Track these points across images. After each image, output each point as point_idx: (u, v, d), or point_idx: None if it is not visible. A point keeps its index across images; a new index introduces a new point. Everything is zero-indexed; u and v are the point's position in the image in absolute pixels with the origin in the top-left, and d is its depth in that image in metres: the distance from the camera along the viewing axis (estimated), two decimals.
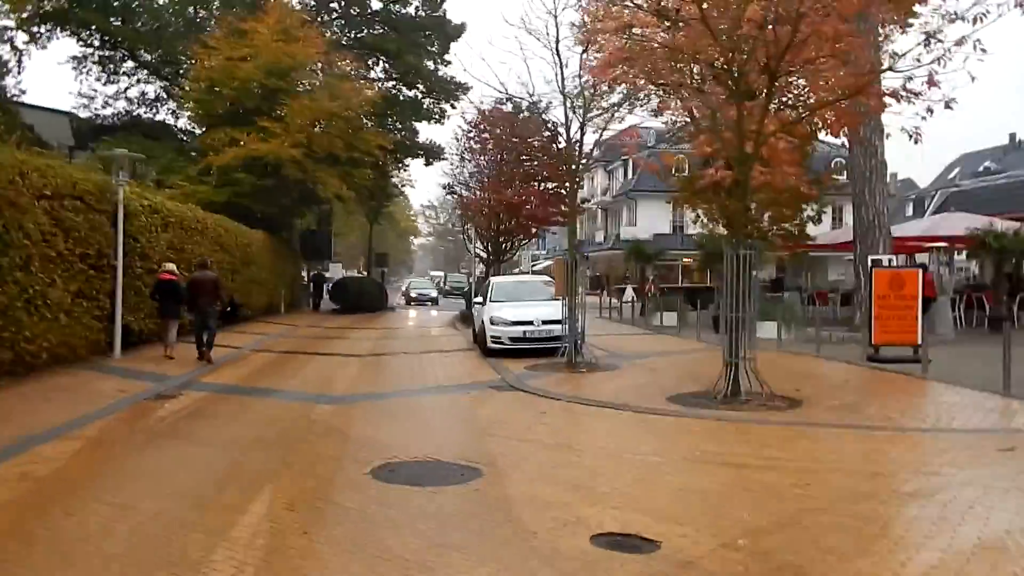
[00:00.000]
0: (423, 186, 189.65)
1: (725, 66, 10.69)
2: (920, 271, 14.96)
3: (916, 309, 14.63)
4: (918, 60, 9.82)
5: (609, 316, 28.86)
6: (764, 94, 10.16)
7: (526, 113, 24.81)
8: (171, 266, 15.16)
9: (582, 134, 13.66)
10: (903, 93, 10.35)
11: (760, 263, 25.80)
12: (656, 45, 10.78)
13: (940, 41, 9.95)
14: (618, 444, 8.02)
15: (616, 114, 15.02)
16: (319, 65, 30.87)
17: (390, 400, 10.65)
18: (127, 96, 36.64)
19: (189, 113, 31.55)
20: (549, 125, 22.21)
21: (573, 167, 14.10)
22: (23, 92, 36.06)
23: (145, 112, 36.93)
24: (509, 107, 24.54)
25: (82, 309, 13.63)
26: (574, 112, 13.48)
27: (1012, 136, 59.40)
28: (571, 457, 7.41)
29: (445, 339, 20.97)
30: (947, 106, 9.20)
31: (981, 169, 57.50)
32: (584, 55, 12.93)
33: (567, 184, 30.17)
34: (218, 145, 27.60)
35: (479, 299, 18.30)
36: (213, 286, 14.82)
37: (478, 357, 16.08)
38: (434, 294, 48.94)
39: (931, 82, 9.16)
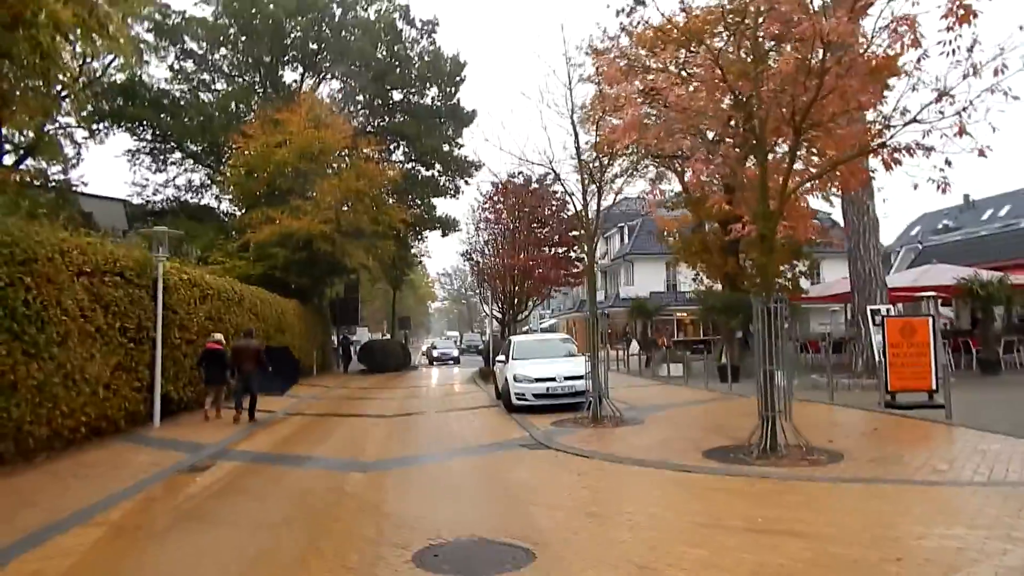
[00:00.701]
0: (439, 256, 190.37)
1: (744, 125, 9.72)
2: (930, 320, 13.69)
3: (928, 356, 13.33)
4: (941, 113, 8.77)
5: (617, 368, 27.51)
6: (788, 150, 9.08)
7: (536, 185, 24.01)
8: (219, 336, 14.62)
9: (599, 196, 12.60)
10: (915, 148, 9.33)
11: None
12: (674, 107, 9.76)
13: (951, 96, 8.97)
14: (667, 510, 6.69)
15: (615, 184, 14.05)
16: (346, 149, 30.26)
17: (423, 465, 9.30)
18: (175, 184, 36.32)
19: (230, 196, 30.84)
20: (558, 195, 21.40)
21: (592, 228, 12.95)
22: (85, 184, 35.62)
23: (192, 197, 36.50)
24: (521, 180, 23.71)
25: (121, 381, 12.41)
26: (590, 176, 12.44)
27: (966, 197, 58.61)
28: (623, 530, 6.07)
29: (469, 396, 19.60)
30: (981, 153, 8.08)
31: (940, 227, 56.57)
32: (601, 121, 11.92)
33: (575, 248, 29.59)
34: (255, 224, 26.90)
35: (501, 357, 17.04)
36: (256, 353, 14.19)
37: (503, 414, 14.74)
38: (456, 353, 46.99)
39: (961, 131, 8.07)
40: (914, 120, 8.80)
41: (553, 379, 14.31)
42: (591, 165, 12.47)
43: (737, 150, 10.02)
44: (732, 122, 10.11)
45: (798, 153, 10.35)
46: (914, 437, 10.22)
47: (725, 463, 8.80)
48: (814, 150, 11.85)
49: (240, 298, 19.10)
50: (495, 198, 26.15)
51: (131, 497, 7.83)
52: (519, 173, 22.02)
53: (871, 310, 17.76)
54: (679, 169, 25.44)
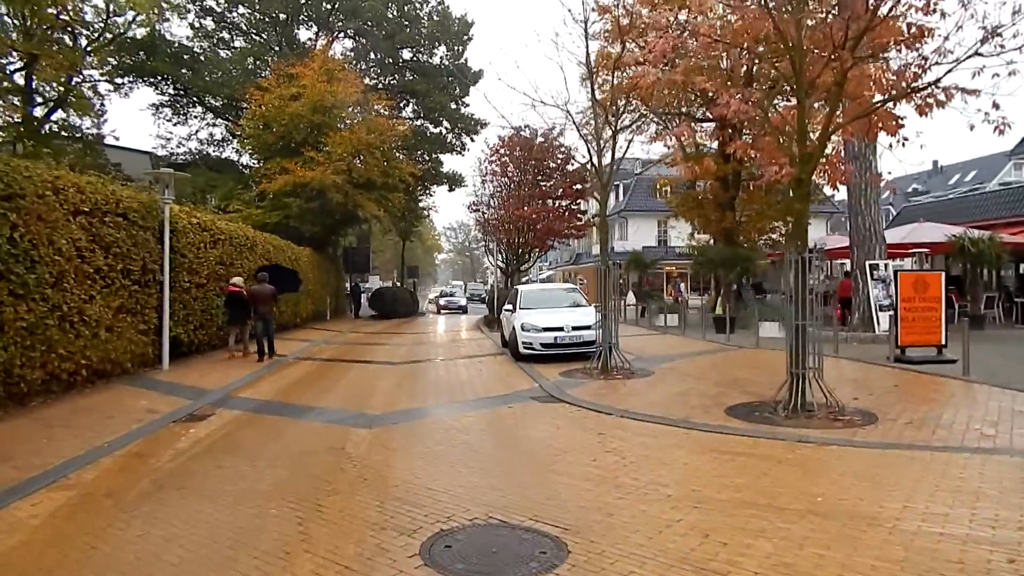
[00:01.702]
0: (445, 211, 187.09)
1: (775, 61, 8.05)
2: (942, 275, 12.20)
3: (939, 311, 11.90)
4: (1002, 46, 7.12)
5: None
6: (834, 84, 7.42)
7: (542, 139, 22.16)
8: (238, 279, 14.08)
9: (614, 142, 10.94)
10: (956, 91, 7.71)
11: (754, 269, 23.11)
12: (706, 37, 8.04)
13: (1000, 35, 7.31)
14: (709, 484, 5.29)
15: (624, 135, 12.32)
16: (357, 104, 28.20)
17: (431, 420, 7.87)
18: (198, 137, 34.37)
19: (249, 149, 28.82)
20: (564, 149, 19.65)
21: (605, 177, 11.31)
22: (117, 138, 33.68)
23: (213, 150, 34.57)
24: (528, 133, 21.81)
25: (126, 324, 10.97)
26: (606, 119, 10.74)
27: (935, 163, 56.65)
28: (665, 510, 4.68)
29: (475, 344, 18.20)
30: None
31: (910, 190, 54.75)
32: (619, 62, 10.16)
33: (579, 200, 27.94)
34: (271, 174, 25.14)
35: (508, 306, 15.59)
36: (271, 296, 13.88)
37: (510, 362, 13.36)
38: (463, 302, 42.68)
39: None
40: (976, 54, 7.14)
41: (561, 329, 12.87)
42: (607, 108, 10.75)
43: (769, 87, 8.32)
44: (760, 61, 8.42)
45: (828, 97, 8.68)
46: (941, 395, 8.83)
47: (753, 422, 7.42)
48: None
49: (253, 244, 17.52)
50: (501, 151, 24.28)
51: (115, 452, 6.45)
52: (525, 127, 20.26)
53: (870, 265, 16.28)
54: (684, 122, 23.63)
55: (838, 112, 7.71)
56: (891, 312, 13.91)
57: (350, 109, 27.76)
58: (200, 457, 6.24)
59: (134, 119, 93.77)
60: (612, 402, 8.76)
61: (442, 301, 40.86)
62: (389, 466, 5.78)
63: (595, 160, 10.87)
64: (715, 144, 23.17)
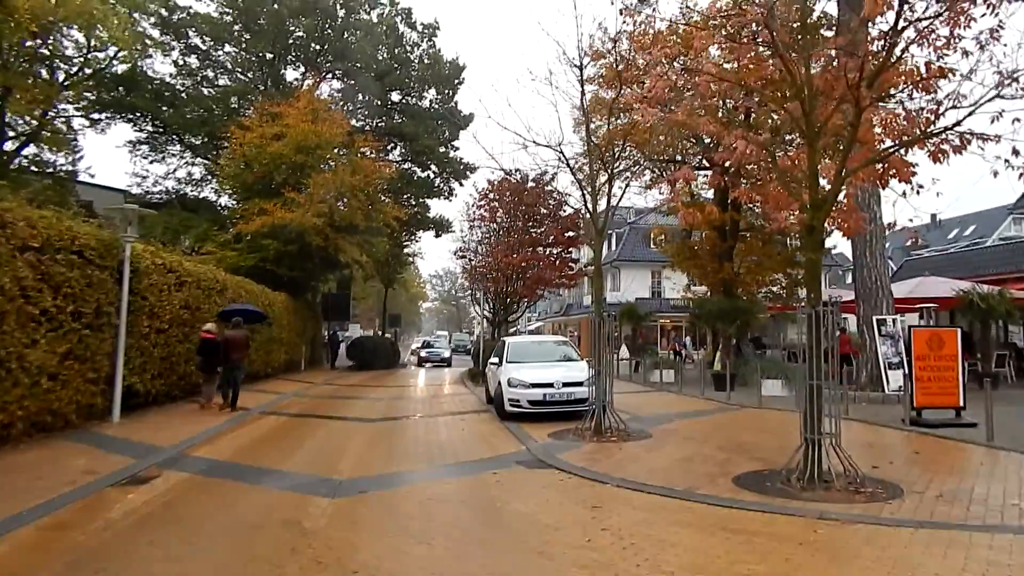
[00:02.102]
0: (431, 258, 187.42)
1: (783, 102, 7.80)
2: (958, 332, 11.82)
3: (956, 370, 11.47)
4: None
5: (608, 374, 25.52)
6: (850, 126, 7.15)
7: (533, 184, 21.99)
8: (211, 325, 13.79)
9: (610, 187, 10.61)
10: (970, 137, 7.47)
11: (754, 324, 22.77)
12: (708, 77, 7.80)
13: (1016, 80, 7.12)
14: (726, 572, 4.69)
15: (618, 181, 12.06)
16: (342, 146, 28.10)
17: (404, 489, 7.20)
18: (175, 176, 34.01)
19: (228, 189, 28.46)
20: (556, 194, 19.46)
21: (600, 222, 10.96)
22: (92, 175, 33.29)
23: (191, 190, 34.16)
24: (518, 177, 21.63)
25: (73, 371, 10.28)
26: (602, 162, 10.45)
27: (933, 216, 57.31)
28: None
29: (458, 399, 17.51)
30: None
31: (908, 244, 55.26)
32: (614, 104, 9.93)
33: (571, 248, 27.66)
34: (248, 215, 24.75)
35: (494, 359, 15.01)
36: (245, 342, 13.69)
37: (495, 421, 12.72)
38: (447, 354, 39.51)
39: None
40: (998, 96, 6.91)
41: (551, 385, 12.29)
42: (603, 151, 10.47)
43: (773, 132, 8.06)
44: (771, 96, 8.17)
45: (837, 140, 8.43)
46: (968, 464, 8.30)
47: (765, 495, 6.84)
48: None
49: (223, 287, 16.95)
50: (490, 195, 24.09)
51: (35, 522, 5.74)
52: (516, 171, 20.12)
53: (877, 320, 15.93)
54: (675, 173, 23.68)
55: (851, 155, 7.40)
56: (901, 370, 13.50)
57: (335, 151, 27.65)
58: (131, 531, 5.55)
59: (110, 156, 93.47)
60: (607, 469, 8.14)
61: (423, 353, 37.39)
62: (351, 546, 5.12)
63: (589, 205, 10.51)
64: (711, 193, 23.20)
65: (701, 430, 11.27)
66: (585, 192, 10.67)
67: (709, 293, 24.31)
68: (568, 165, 10.92)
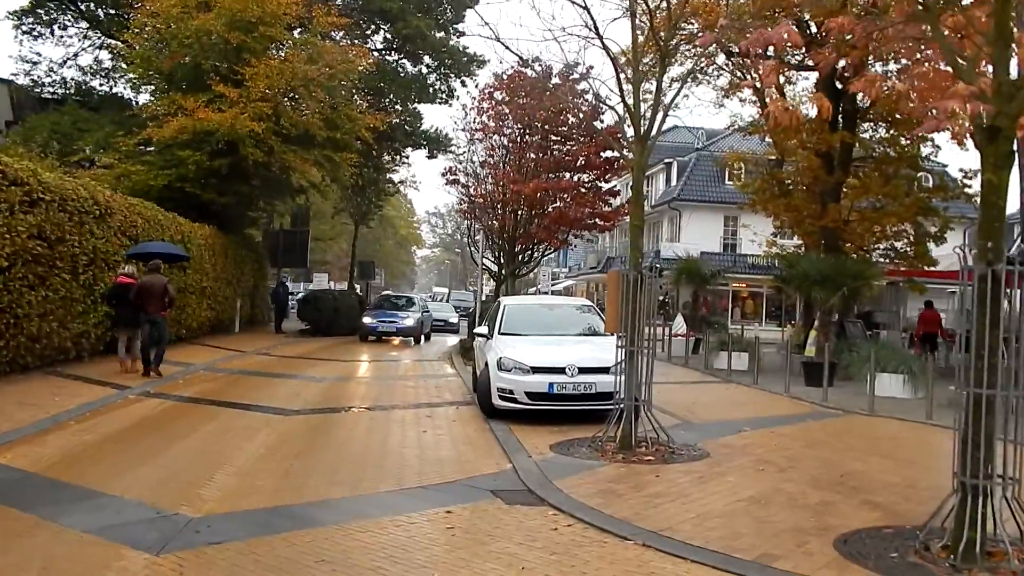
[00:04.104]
0: (428, 189, 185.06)
1: None
2: None
3: None
4: None
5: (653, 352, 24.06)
6: None
7: (557, 80, 20.11)
8: (131, 268, 14.53)
9: (662, 67, 8.88)
10: None
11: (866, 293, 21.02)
12: None
13: None
14: None
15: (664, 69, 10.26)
16: (298, 24, 26.29)
17: (288, 539, 5.73)
18: (78, 64, 32.38)
19: (137, 78, 26.87)
20: (588, 96, 17.63)
21: (644, 132, 9.27)
22: None
23: (101, 83, 32.61)
24: (539, 69, 19.74)
25: None
26: (655, 38, 8.71)
27: None
28: None
29: (433, 383, 16.12)
30: None
31: None
32: None
33: (609, 175, 25.76)
34: (162, 115, 23.27)
35: (482, 329, 13.55)
36: (163, 291, 13.83)
37: (477, 419, 11.34)
38: (454, 319, 37.35)
39: None
40: None
41: (562, 371, 10.78)
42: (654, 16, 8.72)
43: None
44: None
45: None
46: None
47: None
48: None
49: (106, 211, 15.57)
50: (497, 95, 22.23)
51: None
52: (536, 59, 18.29)
53: None
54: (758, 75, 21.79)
55: None
56: None
57: (287, 30, 25.91)
58: None
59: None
60: (632, 512, 6.67)
61: (369, 320, 28.45)
62: None
63: (627, 97, 8.79)
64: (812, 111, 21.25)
65: (784, 448, 9.77)
66: (621, 75, 8.93)
67: (804, 248, 22.61)
68: (597, 32, 9.12)
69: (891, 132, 21.12)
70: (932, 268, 20.76)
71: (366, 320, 28.34)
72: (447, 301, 52.95)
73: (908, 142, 20.76)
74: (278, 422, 10.56)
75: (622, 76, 9.05)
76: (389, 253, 75.87)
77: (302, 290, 44.67)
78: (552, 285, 51.94)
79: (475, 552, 5.66)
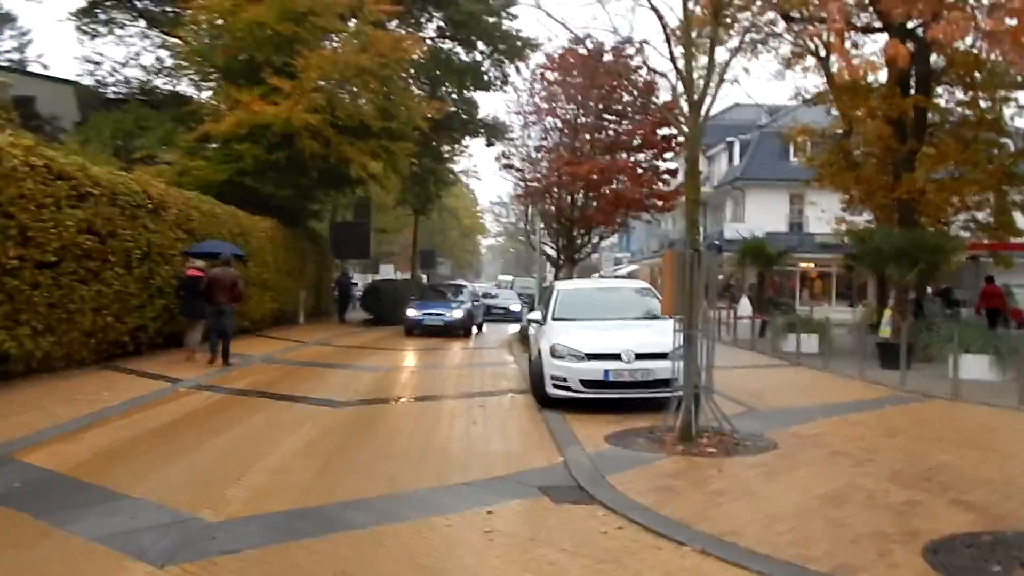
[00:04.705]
0: (491, 179, 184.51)
1: None
2: None
3: None
4: None
5: (718, 336, 23.05)
6: None
7: (610, 56, 19.22)
8: (200, 263, 14.84)
9: (716, 27, 8.05)
10: None
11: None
12: None
13: None
14: None
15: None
16: (349, 12, 25.86)
17: (306, 546, 5.18)
18: (140, 63, 32.64)
19: (193, 72, 26.84)
20: (642, 72, 16.72)
21: (698, 99, 8.46)
22: (46, 67, 32.53)
23: (164, 82, 32.83)
24: (590, 46, 18.89)
25: None
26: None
27: None
28: None
29: (489, 372, 15.56)
30: None
31: None
32: None
33: (666, 153, 24.74)
34: (219, 110, 23.16)
35: (535, 315, 12.90)
36: (232, 285, 14.23)
37: (531, 409, 10.71)
38: (516, 307, 34.15)
39: None
40: None
41: (617, 357, 10.06)
42: None
43: None
44: None
45: None
46: None
47: None
48: None
49: (160, 205, 15.38)
50: (549, 74, 21.43)
51: None
52: (587, 36, 17.47)
53: None
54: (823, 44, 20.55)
55: None
56: None
57: (339, 20, 25.52)
58: None
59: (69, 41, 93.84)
60: (691, 513, 5.95)
61: (414, 314, 24.80)
62: None
63: (676, 55, 7.98)
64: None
65: (861, 438, 8.86)
66: (671, 37, 8.13)
67: (875, 223, 21.28)
68: (658, 15, 8.26)
69: (969, 94, 19.56)
70: (1019, 240, 19.29)
71: (410, 313, 24.75)
72: (511, 288, 52.33)
73: (989, 104, 19.22)
74: (324, 415, 10.08)
75: (672, 39, 8.26)
76: (455, 243, 75.85)
77: (368, 281, 44.65)
78: (615, 270, 50.89)
79: (513, 560, 5.03)
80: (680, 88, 8.67)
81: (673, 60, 8.44)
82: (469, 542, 5.38)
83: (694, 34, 8.19)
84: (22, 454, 7.36)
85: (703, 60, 11.69)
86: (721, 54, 10.15)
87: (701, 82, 8.85)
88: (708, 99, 8.83)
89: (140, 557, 4.75)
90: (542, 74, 22.40)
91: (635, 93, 19.71)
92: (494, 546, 5.30)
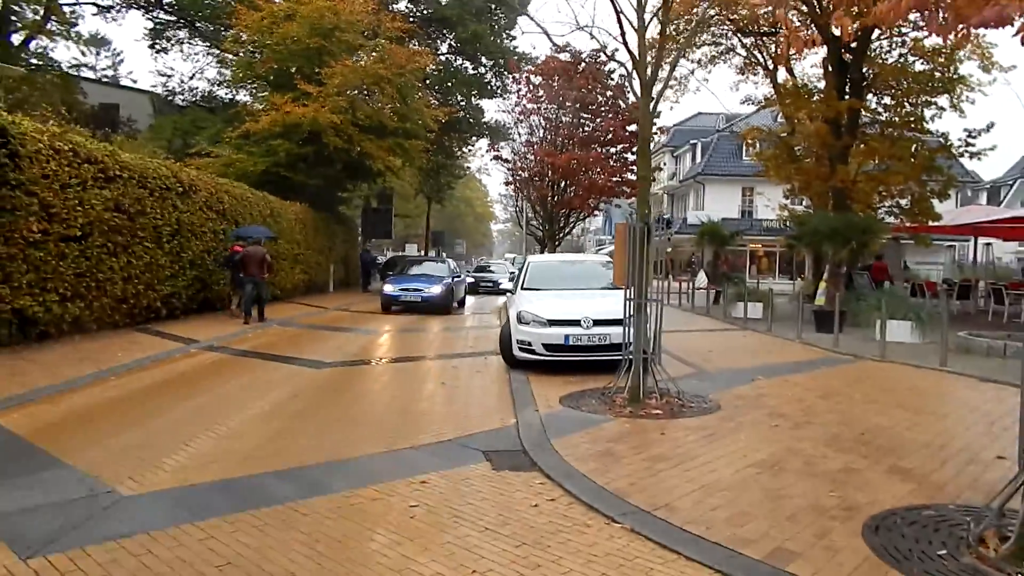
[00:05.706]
0: (500, 175, 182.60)
1: None
2: None
3: None
4: None
5: (679, 304, 21.71)
6: None
7: (584, 64, 17.74)
8: (243, 243, 14.46)
9: (666, 10, 6.64)
10: None
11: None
12: None
13: None
14: None
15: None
16: (369, 29, 24.32)
17: (223, 529, 3.95)
18: (206, 77, 31.45)
19: (240, 81, 25.51)
20: (613, 76, 15.27)
21: (649, 88, 7.06)
22: (135, 80, 31.38)
23: (225, 92, 31.47)
24: (568, 57, 17.39)
25: None
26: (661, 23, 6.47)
27: None
28: None
29: (474, 334, 14.33)
30: None
31: None
32: None
33: (634, 147, 23.25)
34: (259, 112, 21.85)
35: (510, 285, 11.57)
36: (261, 260, 14.07)
37: (500, 370, 9.43)
38: (506, 282, 27.28)
39: None
40: None
41: (577, 323, 8.77)
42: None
43: None
44: None
45: None
46: None
47: None
48: None
49: (190, 188, 14.06)
50: (534, 79, 19.95)
51: None
52: (567, 46, 16.02)
53: None
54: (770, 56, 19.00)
55: None
56: None
57: (361, 36, 23.98)
58: None
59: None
60: (628, 481, 4.68)
61: (387, 288, 19.17)
62: None
63: (630, 40, 6.57)
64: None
65: (799, 399, 7.55)
66: (622, 19, 6.72)
67: (813, 209, 19.79)
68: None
69: (896, 98, 18.09)
70: (935, 224, 17.80)
71: (386, 289, 19.03)
72: (512, 264, 50.97)
73: (912, 107, 17.77)
74: (303, 376, 8.80)
75: (625, 20, 6.85)
76: (471, 227, 74.36)
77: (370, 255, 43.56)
78: (597, 250, 49.45)
79: (426, 543, 3.77)
80: (624, 45, 7.27)
81: (626, 43, 7.04)
82: (387, 520, 4.10)
83: (646, 17, 6.73)
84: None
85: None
86: (672, 48, 8.76)
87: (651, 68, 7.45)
88: (658, 85, 7.45)
89: (12, 544, 3.50)
90: (527, 78, 20.89)
91: (608, 94, 18.28)
92: (410, 525, 4.02)
